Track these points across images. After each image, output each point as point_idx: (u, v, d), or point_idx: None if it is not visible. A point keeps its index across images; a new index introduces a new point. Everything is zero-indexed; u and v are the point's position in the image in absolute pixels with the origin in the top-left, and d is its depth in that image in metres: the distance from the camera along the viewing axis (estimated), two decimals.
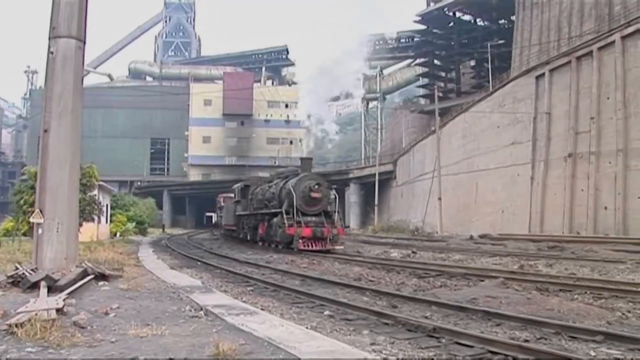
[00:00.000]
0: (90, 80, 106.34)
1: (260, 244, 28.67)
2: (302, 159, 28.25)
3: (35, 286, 8.95)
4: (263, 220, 28.40)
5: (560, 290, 10.82)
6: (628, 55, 30.30)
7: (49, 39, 11.12)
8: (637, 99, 29.64)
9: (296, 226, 23.73)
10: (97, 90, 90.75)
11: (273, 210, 26.55)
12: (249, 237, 31.52)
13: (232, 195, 38.48)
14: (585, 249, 21.99)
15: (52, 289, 8.84)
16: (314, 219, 24.58)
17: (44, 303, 6.98)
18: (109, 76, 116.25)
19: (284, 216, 24.36)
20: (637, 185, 28.87)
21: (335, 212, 26.23)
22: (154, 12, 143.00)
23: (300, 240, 23.38)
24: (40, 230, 10.77)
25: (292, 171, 29.60)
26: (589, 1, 41.48)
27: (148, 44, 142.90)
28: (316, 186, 24.87)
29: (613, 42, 31.20)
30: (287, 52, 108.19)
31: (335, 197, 26.81)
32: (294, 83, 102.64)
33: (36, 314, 6.26)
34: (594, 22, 39.61)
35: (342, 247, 25.18)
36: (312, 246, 23.50)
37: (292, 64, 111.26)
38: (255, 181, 33.68)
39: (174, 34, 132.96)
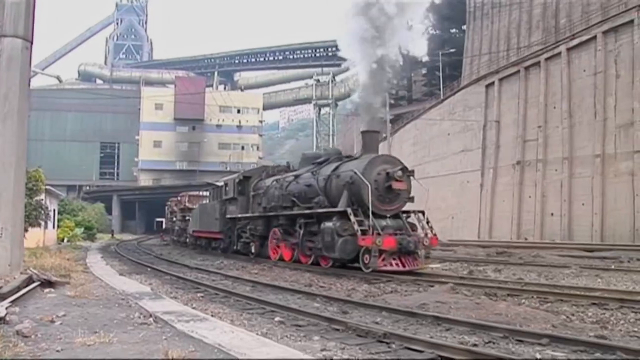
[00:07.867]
0: (37, 81, 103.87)
1: (273, 257, 20.01)
2: (364, 132, 18.23)
3: None
4: (292, 224, 19.14)
5: (508, 295, 10.98)
6: (573, 67, 31.29)
7: None
8: (581, 109, 30.59)
9: (373, 234, 15.00)
10: (45, 92, 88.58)
11: (320, 210, 17.30)
12: (253, 250, 22.24)
13: (207, 193, 32.02)
14: (532, 254, 22.38)
15: None
16: (389, 222, 16.22)
17: None
18: (58, 78, 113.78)
19: (352, 218, 15.25)
20: (582, 192, 29.77)
21: (421, 212, 17.50)
22: (105, 14, 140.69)
23: (379, 255, 14.77)
24: None
25: (335, 153, 21.01)
26: (537, 13, 42.65)
27: (99, 46, 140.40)
28: (399, 172, 16.27)
29: (559, 53, 32.17)
30: (240, 58, 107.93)
31: (428, 191, 18.50)
32: (247, 88, 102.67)
33: None
34: (542, 34, 40.76)
35: (438, 265, 17.80)
36: (397, 265, 15.10)
37: (246, 69, 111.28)
38: (258, 172, 24.61)
39: (125, 36, 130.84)
